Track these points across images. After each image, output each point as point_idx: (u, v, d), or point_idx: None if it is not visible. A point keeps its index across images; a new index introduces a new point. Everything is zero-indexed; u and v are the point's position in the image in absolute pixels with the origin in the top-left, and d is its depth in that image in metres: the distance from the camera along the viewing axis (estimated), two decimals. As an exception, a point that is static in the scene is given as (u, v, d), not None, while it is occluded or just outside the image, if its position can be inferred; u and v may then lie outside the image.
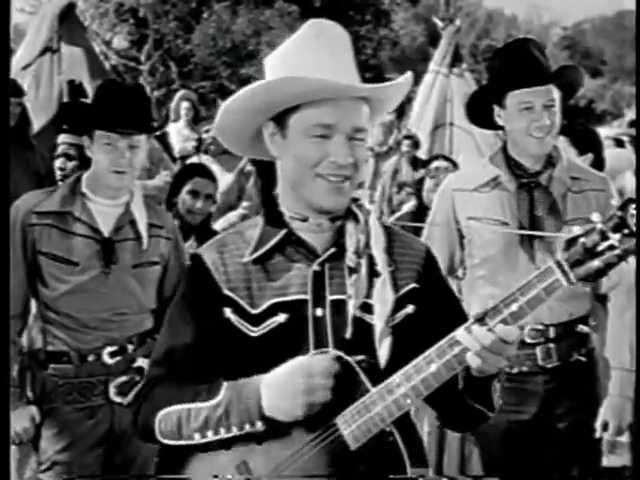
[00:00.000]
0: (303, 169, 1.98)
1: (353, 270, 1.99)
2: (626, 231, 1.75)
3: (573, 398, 3.21)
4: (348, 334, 1.96)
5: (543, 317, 3.12)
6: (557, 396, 3.21)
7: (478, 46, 28.86)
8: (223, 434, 1.91)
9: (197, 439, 1.93)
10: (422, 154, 7.76)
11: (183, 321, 2.08)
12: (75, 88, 6.63)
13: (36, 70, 7.32)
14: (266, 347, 1.98)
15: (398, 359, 1.91)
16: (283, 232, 2.04)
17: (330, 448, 1.89)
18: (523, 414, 3.20)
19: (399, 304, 2.01)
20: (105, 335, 3.21)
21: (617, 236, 1.75)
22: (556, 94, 3.14)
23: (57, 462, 3.22)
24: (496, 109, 3.20)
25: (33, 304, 3.34)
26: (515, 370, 3.18)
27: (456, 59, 8.65)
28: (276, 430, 1.90)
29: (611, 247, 1.76)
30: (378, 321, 1.97)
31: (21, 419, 3.21)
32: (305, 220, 2.03)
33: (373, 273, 2.00)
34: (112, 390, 3.23)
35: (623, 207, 1.76)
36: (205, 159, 6.47)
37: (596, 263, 1.78)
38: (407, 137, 7.88)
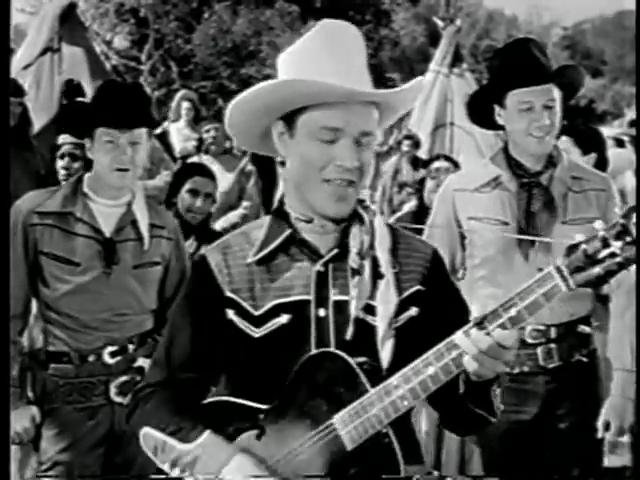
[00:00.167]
0: (309, 172, 1.97)
1: (356, 271, 1.99)
2: (628, 239, 1.75)
3: (574, 399, 3.21)
4: (349, 335, 1.95)
5: (544, 317, 3.12)
6: (558, 396, 3.21)
7: (478, 46, 28.86)
8: (188, 477, 1.93)
9: (167, 470, 1.96)
10: (423, 154, 7.76)
11: (184, 323, 2.09)
12: (73, 88, 6.63)
13: (37, 70, 7.32)
14: (268, 348, 1.99)
15: (401, 361, 1.90)
16: (287, 232, 2.03)
17: (327, 448, 1.89)
18: (524, 414, 3.20)
19: (403, 306, 2.00)
20: (106, 335, 3.21)
21: (619, 244, 1.75)
22: (556, 94, 3.14)
23: (58, 462, 3.22)
24: (497, 109, 3.20)
25: (34, 304, 3.34)
26: (516, 370, 3.18)
27: (456, 59, 8.64)
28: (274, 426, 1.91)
29: (612, 254, 1.76)
30: (381, 323, 1.96)
31: (21, 419, 3.21)
32: (310, 222, 2.03)
33: (377, 275, 2.00)
34: (113, 390, 3.23)
35: (626, 215, 1.76)
36: (206, 159, 6.47)
37: (596, 270, 1.77)
38: (407, 137, 7.87)
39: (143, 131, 3.23)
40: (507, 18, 36.91)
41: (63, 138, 4.75)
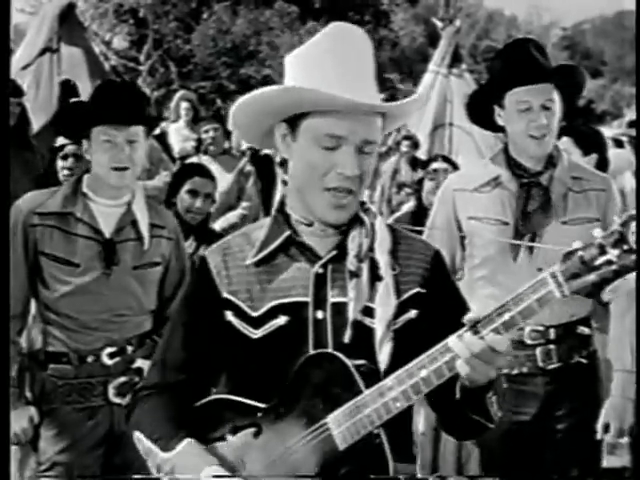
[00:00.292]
0: (310, 177, 1.97)
1: (354, 274, 1.98)
2: (625, 247, 1.74)
3: (573, 400, 3.21)
4: (347, 338, 1.95)
5: (543, 318, 3.12)
6: (557, 397, 3.21)
7: (478, 47, 28.88)
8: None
9: (155, 474, 1.98)
10: (422, 154, 7.76)
11: (180, 324, 2.10)
12: (70, 89, 6.63)
13: (36, 70, 7.32)
14: (267, 349, 1.99)
15: (399, 364, 1.89)
16: (286, 234, 2.03)
17: (319, 447, 1.90)
18: (523, 415, 3.20)
19: (402, 308, 1.99)
20: (105, 336, 3.21)
21: (616, 252, 1.74)
22: (556, 95, 3.14)
23: (57, 463, 3.22)
24: (497, 110, 3.20)
25: (33, 305, 3.34)
26: (515, 371, 3.18)
27: (456, 59, 8.64)
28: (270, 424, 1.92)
29: (609, 262, 1.75)
30: (379, 325, 1.96)
31: (20, 420, 3.20)
32: (310, 225, 2.03)
33: (375, 277, 1.99)
34: (111, 391, 3.23)
35: (625, 223, 1.75)
36: (205, 159, 6.46)
37: (592, 277, 1.76)
38: (406, 137, 7.87)
39: (140, 129, 3.23)
40: (507, 18, 36.95)
41: (65, 139, 4.75)
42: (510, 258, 3.15)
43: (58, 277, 3.19)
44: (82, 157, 4.62)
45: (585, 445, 3.24)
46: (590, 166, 3.72)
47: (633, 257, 1.74)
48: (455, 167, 5.51)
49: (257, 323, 2.00)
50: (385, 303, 1.97)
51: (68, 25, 7.57)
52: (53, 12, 7.57)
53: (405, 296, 2.00)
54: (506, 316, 1.79)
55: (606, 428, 3.18)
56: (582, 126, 4.68)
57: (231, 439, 1.96)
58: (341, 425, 1.88)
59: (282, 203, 2.09)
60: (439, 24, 8.88)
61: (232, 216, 5.66)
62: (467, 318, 1.81)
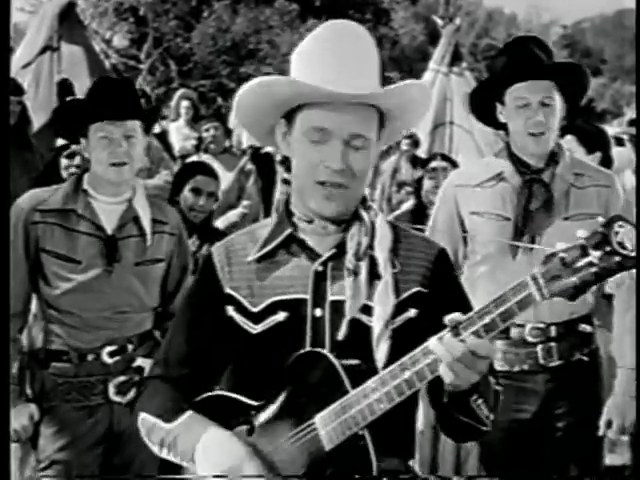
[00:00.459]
0: (304, 172, 1.98)
1: (352, 272, 1.98)
2: (607, 249, 1.70)
3: (574, 398, 3.20)
4: (341, 336, 1.95)
5: (544, 316, 3.12)
6: (558, 395, 3.20)
7: (478, 45, 28.87)
8: (173, 458, 1.98)
9: (158, 452, 2.01)
10: (422, 153, 7.76)
11: (184, 319, 2.12)
12: (66, 88, 6.64)
13: (36, 69, 7.33)
14: (266, 344, 2.00)
15: None
16: (288, 231, 2.04)
17: (306, 446, 1.90)
18: (523, 413, 3.20)
19: (401, 307, 1.98)
20: (105, 334, 3.21)
21: (598, 253, 1.70)
22: (556, 92, 3.13)
23: (56, 461, 3.22)
24: (498, 107, 3.21)
25: (34, 303, 3.34)
26: (516, 368, 3.18)
27: (456, 58, 8.63)
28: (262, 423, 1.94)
29: (590, 264, 1.71)
30: (377, 323, 1.95)
31: (20, 417, 3.20)
32: (311, 222, 2.03)
33: (375, 275, 1.99)
34: (111, 389, 3.23)
35: (607, 224, 1.71)
36: (205, 158, 6.46)
37: (572, 279, 1.73)
38: (407, 136, 7.86)
39: (137, 124, 3.23)
40: (506, 17, 36.92)
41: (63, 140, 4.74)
42: (510, 255, 3.15)
43: (59, 274, 3.19)
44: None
45: (585, 443, 3.24)
46: (592, 163, 3.72)
47: (616, 259, 1.70)
48: (455, 165, 5.51)
49: (257, 318, 2.01)
50: (384, 301, 1.96)
51: (68, 23, 7.58)
52: (53, 11, 7.58)
53: (405, 295, 2.00)
54: (487, 319, 1.77)
55: (608, 425, 3.18)
56: (586, 124, 4.68)
57: None
58: (327, 425, 1.88)
59: (287, 202, 2.10)
60: (439, 22, 8.88)
61: (232, 215, 5.65)
62: (449, 319, 1.79)
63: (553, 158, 3.19)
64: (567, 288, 1.74)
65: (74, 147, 4.78)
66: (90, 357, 3.21)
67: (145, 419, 2.03)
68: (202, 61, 22.78)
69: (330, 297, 1.98)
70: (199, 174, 4.50)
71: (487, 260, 3.22)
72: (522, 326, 3.15)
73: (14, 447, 3.49)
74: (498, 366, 3.02)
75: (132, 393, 3.21)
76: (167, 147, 7.56)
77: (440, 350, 1.78)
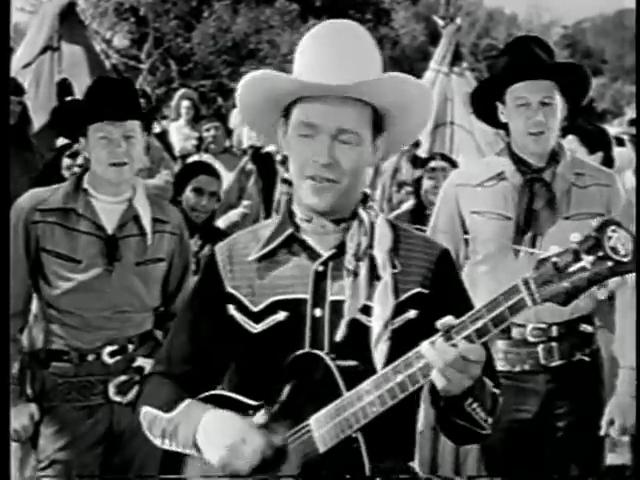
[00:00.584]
0: (297, 168, 1.99)
1: (351, 273, 1.97)
2: (600, 254, 1.67)
3: (575, 398, 3.20)
4: (339, 337, 1.95)
5: (545, 316, 3.12)
6: (558, 395, 3.20)
7: (479, 45, 28.86)
8: (175, 447, 1.98)
9: (160, 444, 2.01)
10: (422, 153, 7.75)
11: (187, 318, 2.13)
12: (65, 88, 6.64)
13: (36, 69, 7.34)
14: (266, 344, 2.00)
15: None
16: (289, 231, 2.04)
17: (301, 448, 1.90)
18: (524, 413, 3.20)
19: (401, 308, 1.97)
20: (106, 334, 3.21)
21: (590, 258, 1.68)
22: (556, 92, 3.13)
23: (56, 461, 3.21)
24: (499, 106, 3.21)
25: (34, 303, 3.34)
26: (517, 369, 3.18)
27: (456, 58, 8.63)
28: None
29: (582, 269, 1.69)
30: (376, 324, 1.94)
31: (20, 417, 3.20)
32: (310, 221, 2.03)
33: (374, 276, 1.98)
34: (111, 389, 3.23)
35: (600, 228, 1.69)
36: (206, 158, 6.46)
37: (564, 284, 1.70)
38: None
39: (136, 124, 3.22)
40: (507, 17, 36.93)
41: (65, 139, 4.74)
42: (511, 254, 3.15)
43: (60, 274, 3.19)
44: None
45: (586, 443, 3.24)
46: (593, 162, 3.72)
47: (609, 264, 1.68)
48: (454, 165, 5.51)
49: (257, 318, 2.01)
50: (383, 302, 1.95)
51: (69, 23, 7.59)
52: (53, 11, 7.58)
53: (405, 296, 1.98)
54: (479, 323, 1.75)
55: (610, 424, 3.18)
56: (587, 125, 4.68)
57: None
58: (321, 428, 1.88)
59: (289, 202, 2.10)
60: (440, 23, 8.87)
61: (233, 215, 5.65)
62: (440, 323, 1.78)
63: (554, 157, 3.19)
64: (559, 293, 1.72)
65: (77, 146, 4.78)
66: (90, 357, 3.21)
67: (147, 412, 2.03)
68: (202, 61, 22.77)
69: (330, 297, 1.98)
70: (201, 174, 4.50)
71: (488, 259, 3.22)
72: (523, 326, 3.15)
73: (14, 447, 3.49)
74: (499, 366, 3.02)
75: (132, 393, 3.21)
76: (167, 147, 7.56)
77: (432, 355, 1.77)
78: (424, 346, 1.78)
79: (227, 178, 6.13)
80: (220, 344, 2.06)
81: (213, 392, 2.05)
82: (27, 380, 3.28)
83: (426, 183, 5.43)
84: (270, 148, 7.00)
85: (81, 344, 3.20)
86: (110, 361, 3.22)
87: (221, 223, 5.38)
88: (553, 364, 3.18)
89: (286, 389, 1.94)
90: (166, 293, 3.36)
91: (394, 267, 1.99)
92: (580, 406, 3.21)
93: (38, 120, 6.32)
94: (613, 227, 1.69)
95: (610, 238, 1.68)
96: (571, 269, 1.70)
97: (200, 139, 7.17)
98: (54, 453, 3.22)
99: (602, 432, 3.18)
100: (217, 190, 4.52)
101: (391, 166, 7.58)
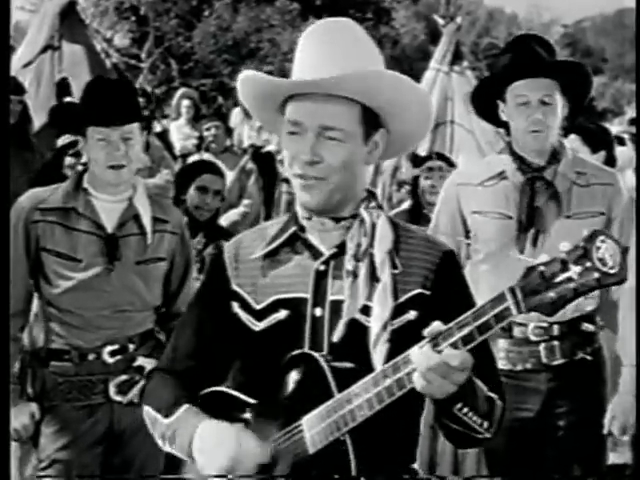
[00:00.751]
0: (288, 168, 2.00)
1: (351, 273, 1.97)
2: (588, 264, 1.64)
3: (576, 396, 3.20)
4: (336, 337, 1.94)
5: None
6: (560, 394, 3.20)
7: (479, 44, 28.86)
8: (175, 451, 1.99)
9: (162, 445, 2.03)
10: (422, 152, 7.75)
11: (192, 314, 2.14)
12: (64, 87, 6.64)
13: (37, 68, 7.33)
14: (267, 342, 2.00)
15: None
16: (292, 230, 2.04)
17: (292, 448, 1.90)
18: (526, 412, 3.20)
19: (401, 309, 1.95)
20: (106, 334, 3.21)
21: (577, 268, 1.65)
22: (557, 91, 3.13)
23: (56, 460, 3.21)
24: (500, 105, 3.21)
25: (35, 302, 3.34)
26: (519, 367, 3.18)
27: (457, 57, 8.61)
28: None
29: (569, 279, 1.66)
30: (374, 325, 1.93)
31: (21, 416, 3.20)
32: (309, 219, 2.03)
33: (374, 276, 1.96)
34: (112, 389, 3.23)
35: (589, 238, 1.66)
36: (206, 157, 6.47)
37: (550, 294, 1.68)
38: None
39: (135, 126, 3.21)
40: (507, 16, 36.94)
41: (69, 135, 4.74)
42: (512, 253, 3.14)
43: (60, 273, 3.18)
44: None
45: (588, 442, 3.24)
46: (595, 161, 3.71)
47: (595, 275, 1.65)
48: (451, 164, 5.49)
49: (260, 316, 2.01)
50: (382, 302, 1.94)
51: (69, 23, 7.58)
52: (54, 10, 7.58)
53: (405, 296, 1.97)
54: (465, 330, 1.74)
55: (613, 422, 3.17)
56: (590, 124, 4.68)
57: None
58: (312, 429, 1.88)
59: (294, 201, 2.11)
60: (440, 22, 8.86)
61: (234, 214, 5.65)
62: (429, 330, 1.76)
63: (555, 156, 3.19)
64: (544, 303, 1.70)
65: (79, 146, 4.77)
66: (91, 356, 3.21)
67: (148, 412, 2.05)
68: (203, 60, 22.77)
69: (330, 297, 1.97)
70: (205, 172, 4.50)
71: (489, 258, 3.22)
72: (525, 325, 3.15)
73: (14, 446, 3.50)
74: (501, 365, 3.02)
75: (133, 392, 3.21)
76: (168, 146, 7.57)
77: (417, 359, 1.76)
78: (413, 350, 1.77)
79: (227, 177, 6.13)
80: (224, 341, 2.07)
81: (212, 389, 2.05)
82: (28, 379, 3.28)
83: (423, 183, 5.42)
84: (270, 147, 7.00)
85: (82, 343, 3.20)
86: (110, 360, 3.22)
87: (222, 222, 5.38)
88: (555, 363, 3.18)
89: (290, 385, 1.93)
90: (168, 293, 3.35)
91: (395, 267, 1.98)
92: (582, 405, 3.21)
93: (38, 119, 6.32)
94: (602, 237, 1.66)
95: (599, 249, 1.65)
96: (558, 279, 1.67)
97: (200, 138, 7.17)
98: (55, 452, 3.22)
99: (605, 430, 3.18)
100: (221, 188, 4.52)
101: (391, 165, 7.58)
